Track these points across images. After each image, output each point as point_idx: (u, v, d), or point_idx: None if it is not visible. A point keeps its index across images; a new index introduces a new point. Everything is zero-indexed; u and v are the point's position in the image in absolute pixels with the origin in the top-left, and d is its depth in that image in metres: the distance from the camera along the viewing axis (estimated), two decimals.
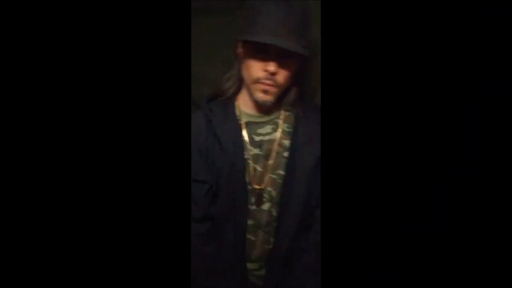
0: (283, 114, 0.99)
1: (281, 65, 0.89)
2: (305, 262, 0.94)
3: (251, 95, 0.95)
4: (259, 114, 0.98)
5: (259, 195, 0.96)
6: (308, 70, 1.04)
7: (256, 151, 0.96)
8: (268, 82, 0.90)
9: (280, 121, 0.98)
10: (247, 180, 0.95)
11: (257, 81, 0.91)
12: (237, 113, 0.99)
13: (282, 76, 0.91)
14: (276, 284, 0.95)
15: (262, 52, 0.89)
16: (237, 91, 1.00)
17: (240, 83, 0.99)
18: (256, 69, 0.90)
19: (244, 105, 0.99)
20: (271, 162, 0.96)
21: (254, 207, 0.95)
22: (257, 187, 0.95)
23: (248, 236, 0.95)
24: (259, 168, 0.96)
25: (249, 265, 0.97)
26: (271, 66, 0.88)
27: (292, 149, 0.96)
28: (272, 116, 0.99)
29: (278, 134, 0.97)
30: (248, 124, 0.98)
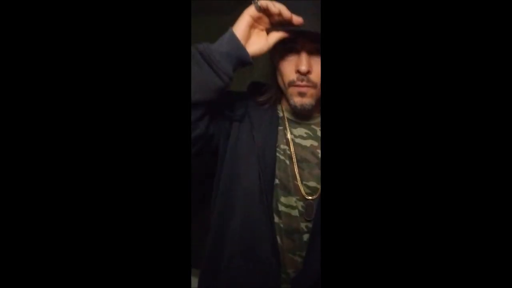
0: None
1: (312, 62, 0.83)
2: None
3: (288, 101, 0.89)
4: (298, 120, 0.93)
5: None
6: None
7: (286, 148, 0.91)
8: (302, 83, 0.84)
9: (317, 128, 0.92)
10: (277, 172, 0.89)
11: (291, 84, 0.86)
12: (279, 113, 0.94)
13: (316, 75, 0.84)
14: None
15: (292, 51, 0.84)
16: (277, 99, 0.96)
17: (277, 92, 0.94)
18: (288, 71, 0.85)
19: (285, 110, 0.95)
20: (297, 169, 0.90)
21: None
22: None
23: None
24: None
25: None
26: (303, 65, 0.82)
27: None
28: (310, 121, 0.93)
29: (311, 142, 0.91)
30: (287, 122, 0.93)
